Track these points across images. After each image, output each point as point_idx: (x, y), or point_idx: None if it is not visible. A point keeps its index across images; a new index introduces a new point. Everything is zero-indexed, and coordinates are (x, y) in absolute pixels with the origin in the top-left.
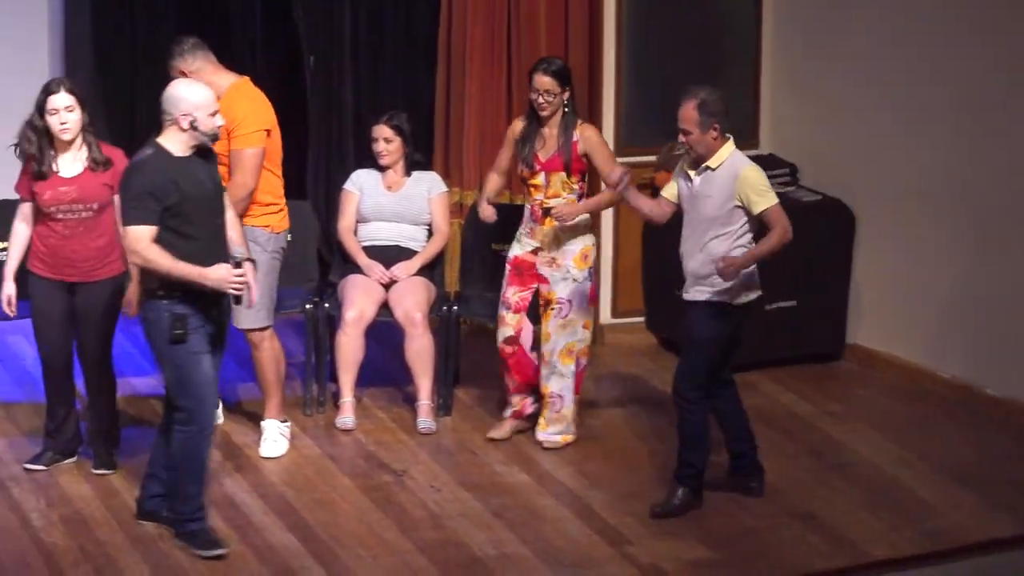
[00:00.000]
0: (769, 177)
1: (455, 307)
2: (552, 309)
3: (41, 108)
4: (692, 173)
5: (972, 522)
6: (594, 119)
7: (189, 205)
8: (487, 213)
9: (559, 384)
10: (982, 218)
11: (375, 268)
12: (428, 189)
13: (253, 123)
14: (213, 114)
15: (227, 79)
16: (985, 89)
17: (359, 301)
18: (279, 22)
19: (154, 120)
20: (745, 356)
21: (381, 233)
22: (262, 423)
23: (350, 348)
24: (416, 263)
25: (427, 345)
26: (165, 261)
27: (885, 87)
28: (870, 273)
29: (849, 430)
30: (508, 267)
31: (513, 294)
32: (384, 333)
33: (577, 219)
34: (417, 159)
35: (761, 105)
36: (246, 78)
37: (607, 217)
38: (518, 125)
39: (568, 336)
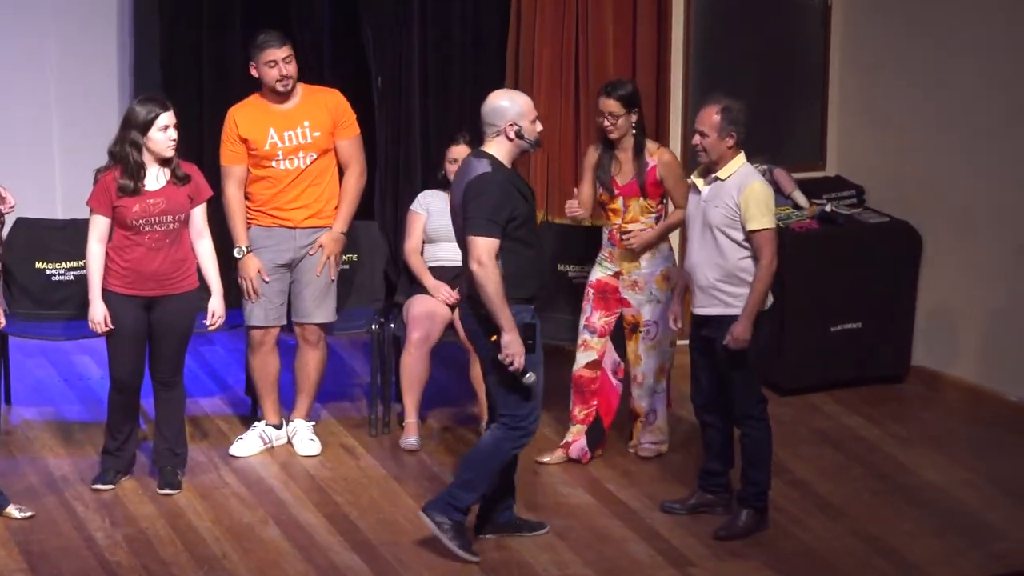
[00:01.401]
0: (835, 199)
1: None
2: (640, 332)
3: (147, 124)
4: (701, 183)
5: None
6: (661, 142)
7: (530, 214)
8: (573, 208)
9: (653, 400)
10: None
11: (441, 289)
12: None
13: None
14: (534, 121)
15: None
16: None
17: (424, 322)
18: (347, 42)
19: (217, 137)
20: (809, 378)
21: (447, 254)
22: (294, 423)
23: (415, 368)
24: None
25: None
26: (496, 285)
27: (951, 109)
28: (935, 295)
29: (914, 452)
30: (591, 291)
31: (599, 319)
32: (449, 354)
33: (656, 242)
34: None
35: (828, 127)
36: None
37: (674, 238)
38: (593, 154)
39: (659, 356)
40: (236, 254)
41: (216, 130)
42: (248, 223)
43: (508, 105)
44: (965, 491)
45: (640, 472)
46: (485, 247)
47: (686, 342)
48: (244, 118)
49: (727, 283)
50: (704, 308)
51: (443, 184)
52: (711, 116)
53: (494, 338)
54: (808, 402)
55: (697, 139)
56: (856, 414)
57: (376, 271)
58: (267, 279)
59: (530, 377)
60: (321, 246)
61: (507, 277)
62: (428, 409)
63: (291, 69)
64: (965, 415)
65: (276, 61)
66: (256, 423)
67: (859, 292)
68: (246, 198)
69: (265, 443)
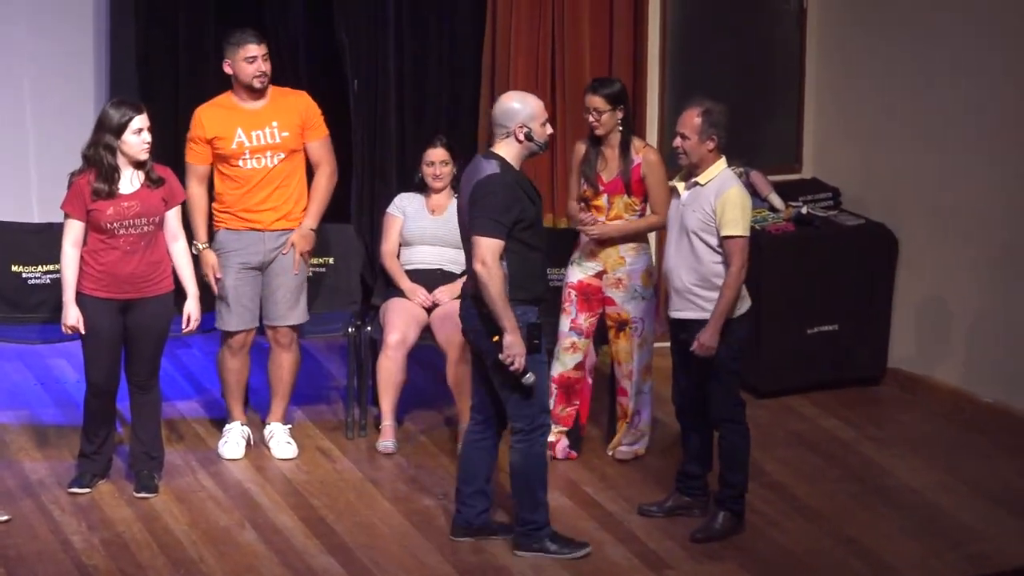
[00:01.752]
0: (811, 201)
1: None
2: (629, 329)
3: (120, 127)
4: (680, 187)
5: (1015, 547)
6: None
7: (536, 217)
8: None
9: (640, 401)
10: None
11: (418, 292)
12: None
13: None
14: (544, 124)
15: None
16: None
17: (401, 325)
18: (323, 46)
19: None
20: (786, 380)
21: (424, 257)
22: (271, 426)
23: (392, 371)
24: (458, 287)
25: (469, 369)
26: (499, 285)
27: (927, 112)
28: (912, 297)
29: (891, 454)
30: (573, 293)
31: (584, 320)
32: (426, 356)
33: (636, 238)
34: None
35: (804, 130)
36: None
37: (651, 241)
38: (580, 148)
39: (646, 354)
40: (193, 251)
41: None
42: (217, 226)
43: (519, 107)
44: (941, 493)
45: (617, 475)
46: (489, 247)
47: (666, 344)
48: (211, 117)
49: (702, 287)
50: (680, 312)
51: (419, 187)
52: (692, 119)
53: (496, 338)
54: (785, 404)
55: (678, 141)
56: (833, 416)
57: (352, 274)
58: (218, 275)
59: (529, 378)
60: (292, 244)
61: (512, 278)
62: (405, 412)
63: (268, 67)
64: (942, 417)
65: (255, 57)
66: (230, 425)
67: (836, 294)
68: (215, 200)
69: (246, 440)
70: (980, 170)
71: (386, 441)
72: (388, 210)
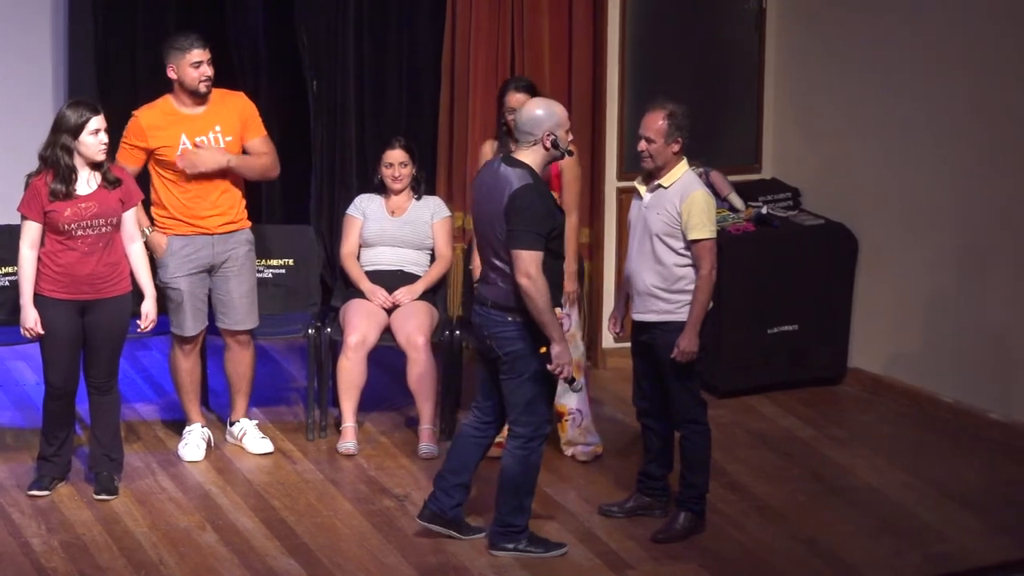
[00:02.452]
0: (771, 201)
1: (457, 331)
2: None
3: (78, 128)
4: (643, 189)
5: (976, 546)
6: (598, 144)
7: (563, 226)
8: None
9: (576, 399)
10: (985, 242)
11: (378, 293)
12: (431, 214)
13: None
14: (568, 131)
15: None
16: (985, 117)
17: (361, 326)
18: (283, 47)
19: None
20: (747, 380)
21: (384, 258)
22: (241, 423)
23: (352, 373)
24: (419, 287)
25: (429, 369)
26: (546, 296)
27: (886, 112)
28: (872, 297)
29: (851, 454)
30: None
31: None
32: (386, 358)
33: None
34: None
35: (764, 129)
36: None
37: (610, 242)
38: (488, 148)
39: (575, 350)
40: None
41: None
42: (165, 232)
43: (545, 115)
44: (903, 492)
45: (578, 475)
46: (533, 260)
47: (627, 345)
48: (153, 125)
49: (664, 290)
50: (642, 314)
51: (379, 188)
52: (657, 121)
53: (544, 349)
54: (745, 404)
55: (643, 145)
56: (793, 416)
57: (312, 275)
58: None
59: (578, 384)
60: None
61: None
62: (365, 413)
63: (211, 71)
64: (902, 416)
65: (201, 62)
66: (190, 427)
67: (796, 294)
68: (156, 205)
69: (206, 442)
70: (939, 171)
71: (347, 442)
72: (348, 211)
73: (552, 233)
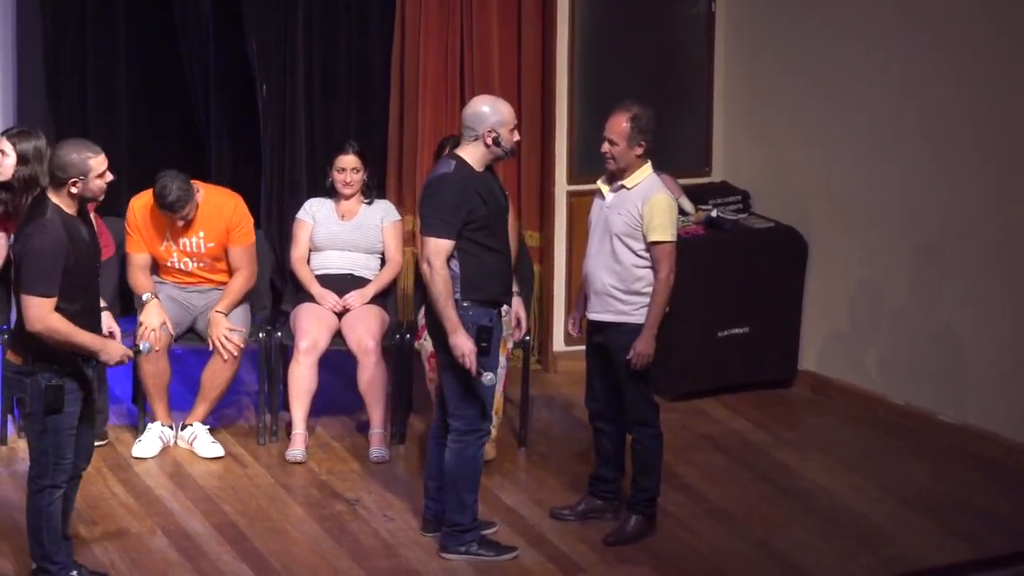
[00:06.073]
0: (721, 204)
1: (408, 335)
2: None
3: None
4: (606, 189)
5: (927, 548)
6: (547, 147)
7: (492, 218)
8: None
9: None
10: (933, 245)
11: (328, 297)
12: (381, 218)
13: None
14: (513, 130)
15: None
16: (938, 119)
17: (312, 330)
18: (232, 49)
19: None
20: (697, 383)
21: (334, 262)
22: (193, 426)
23: (303, 378)
24: (369, 291)
25: (380, 374)
26: (441, 286)
27: (835, 115)
28: (822, 300)
29: (802, 457)
30: None
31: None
32: (337, 362)
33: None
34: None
35: (713, 132)
36: None
37: (560, 245)
38: None
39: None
40: (143, 299)
41: (104, 131)
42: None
43: (489, 112)
44: (854, 495)
45: (529, 478)
46: (434, 247)
47: (582, 348)
48: (143, 214)
49: (622, 291)
50: (598, 314)
51: (329, 192)
52: (621, 124)
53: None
54: (696, 407)
55: (606, 147)
56: (744, 419)
57: (262, 280)
58: (172, 331)
59: (489, 378)
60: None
61: (464, 279)
62: (316, 418)
63: (190, 210)
64: (853, 419)
65: (175, 220)
66: (150, 424)
67: (746, 297)
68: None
69: (164, 443)
70: (888, 174)
71: (295, 450)
72: (298, 215)
73: (472, 224)
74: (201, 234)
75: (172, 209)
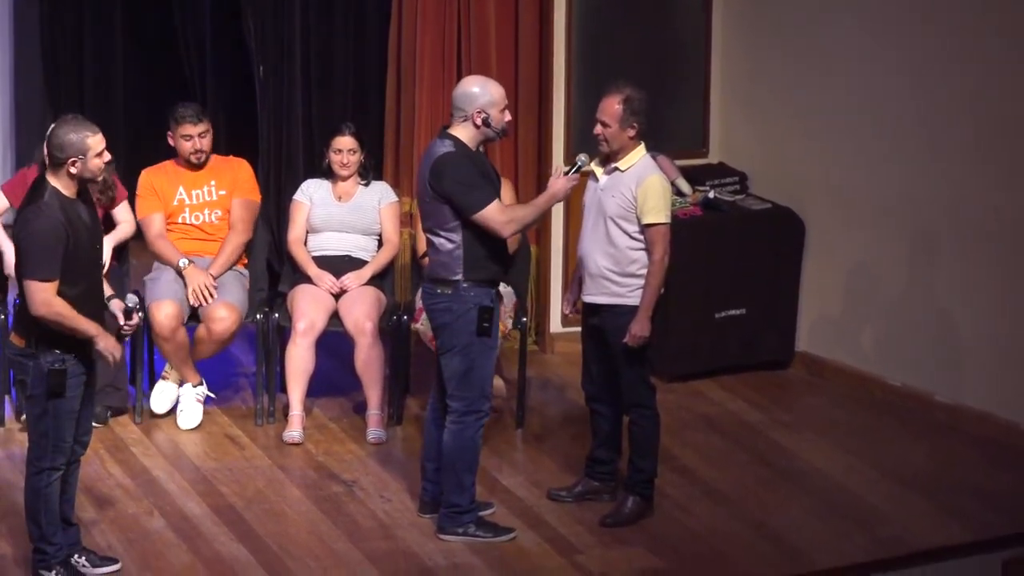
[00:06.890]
0: (718, 185)
1: (405, 316)
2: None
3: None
4: (600, 172)
5: (923, 529)
6: (544, 130)
7: (495, 196)
8: None
9: None
10: (930, 226)
11: (325, 278)
12: (378, 199)
13: None
14: (503, 110)
15: None
16: (931, 102)
17: (309, 311)
18: (230, 32)
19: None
20: (694, 364)
21: (331, 243)
22: (185, 387)
23: (300, 359)
24: (366, 273)
25: (377, 355)
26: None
27: (833, 96)
28: (819, 281)
29: (799, 438)
30: None
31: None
32: (334, 343)
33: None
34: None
35: (711, 114)
36: None
37: (557, 227)
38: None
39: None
40: (180, 265)
41: (100, 113)
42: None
43: (479, 92)
44: (850, 476)
45: (526, 460)
46: (495, 213)
47: (577, 329)
48: (155, 174)
49: (617, 272)
50: (593, 296)
51: (326, 173)
52: (613, 106)
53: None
54: (693, 388)
55: (599, 129)
56: (741, 400)
57: (259, 261)
58: (215, 288)
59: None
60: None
61: (466, 260)
62: (313, 399)
63: (205, 143)
64: (849, 400)
65: (192, 136)
66: (183, 387)
67: (743, 278)
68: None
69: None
70: (886, 155)
71: (293, 431)
72: (295, 197)
73: None
74: (213, 183)
75: (193, 120)
